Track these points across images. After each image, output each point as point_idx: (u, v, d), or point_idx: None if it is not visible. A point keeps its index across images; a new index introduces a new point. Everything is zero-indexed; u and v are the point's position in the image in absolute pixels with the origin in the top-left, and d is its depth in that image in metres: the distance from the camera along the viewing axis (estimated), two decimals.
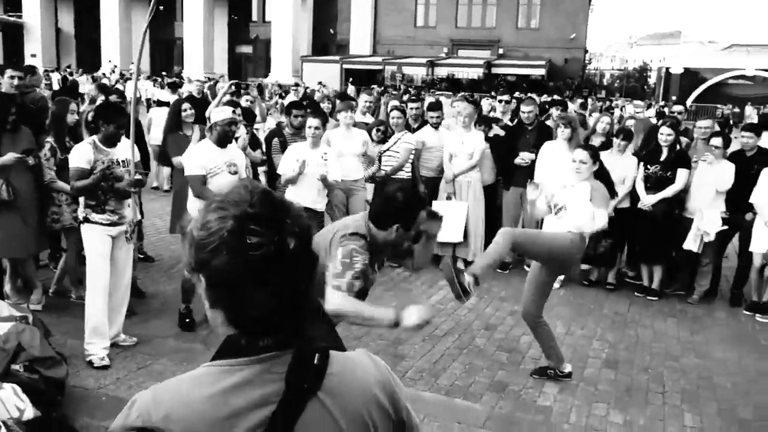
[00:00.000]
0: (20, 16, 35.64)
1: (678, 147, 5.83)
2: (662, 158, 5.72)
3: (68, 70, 26.54)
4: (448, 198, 6.27)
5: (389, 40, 33.75)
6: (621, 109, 18.48)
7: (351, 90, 22.29)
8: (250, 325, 0.98)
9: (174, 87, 11.67)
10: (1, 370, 3.08)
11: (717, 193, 5.60)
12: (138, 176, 4.09)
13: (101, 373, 3.84)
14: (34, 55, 33.59)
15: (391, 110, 6.65)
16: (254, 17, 37.36)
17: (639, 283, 6.05)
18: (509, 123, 7.16)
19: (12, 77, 5.45)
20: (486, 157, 6.38)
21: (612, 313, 5.49)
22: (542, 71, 30.58)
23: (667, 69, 33.53)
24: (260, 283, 0.93)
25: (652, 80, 41.73)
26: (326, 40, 36.00)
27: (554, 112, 7.40)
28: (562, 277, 6.06)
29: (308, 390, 0.99)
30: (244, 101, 7.30)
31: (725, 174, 5.56)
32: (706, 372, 4.41)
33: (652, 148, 5.90)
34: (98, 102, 6.46)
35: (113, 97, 6.28)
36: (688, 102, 25.49)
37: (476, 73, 31.20)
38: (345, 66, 32.03)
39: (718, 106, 26.03)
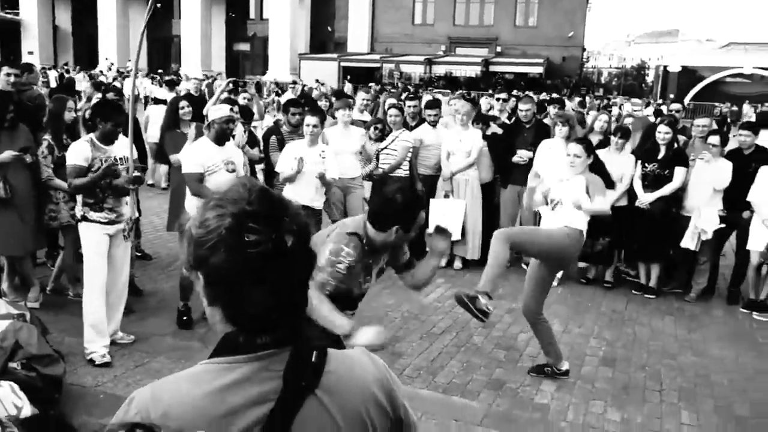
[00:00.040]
0: (17, 14, 35.54)
1: (675, 145, 5.84)
2: (660, 156, 5.73)
3: (65, 67, 26.48)
4: (446, 196, 6.28)
5: (387, 37, 33.73)
6: (620, 108, 18.51)
7: (348, 88, 22.28)
8: (248, 322, 0.98)
9: (172, 85, 11.65)
10: None
11: (714, 191, 5.61)
12: (136, 173, 4.09)
13: (99, 370, 3.83)
14: (31, 53, 33.50)
15: (389, 108, 6.65)
16: (252, 15, 37.30)
17: (636, 281, 6.07)
18: (507, 121, 7.16)
19: (8, 75, 5.43)
20: (484, 155, 6.38)
21: (609, 311, 5.50)
22: (540, 69, 30.60)
23: (665, 67, 33.57)
24: (258, 280, 0.93)
25: (649, 78, 41.73)
26: (324, 37, 35.96)
27: (551, 110, 7.40)
28: (559, 275, 6.07)
29: (306, 388, 0.99)
30: (241, 99, 7.29)
31: (723, 172, 5.57)
32: (703, 370, 4.42)
33: (649, 147, 5.91)
34: (94, 99, 6.45)
35: (111, 95, 6.26)
36: (686, 100, 25.54)
37: (474, 71, 31.21)
38: (343, 64, 32.01)
39: (716, 104, 26.06)
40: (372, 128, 6.43)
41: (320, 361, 1.02)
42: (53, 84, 16.26)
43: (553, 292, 5.70)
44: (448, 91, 20.72)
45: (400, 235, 2.56)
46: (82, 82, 16.24)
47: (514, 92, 16.08)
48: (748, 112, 23.76)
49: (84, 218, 3.96)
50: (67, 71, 23.15)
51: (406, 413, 1.14)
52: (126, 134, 4.14)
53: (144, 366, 3.95)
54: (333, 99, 9.95)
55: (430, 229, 2.77)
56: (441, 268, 6.32)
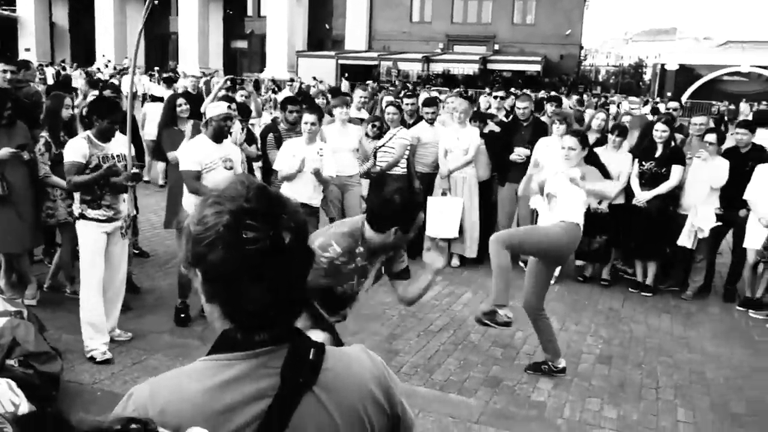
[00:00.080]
0: (14, 10, 35.38)
1: (673, 143, 5.86)
2: (657, 155, 5.74)
3: (62, 64, 26.39)
4: (444, 194, 6.28)
5: (385, 35, 33.67)
6: (618, 106, 18.52)
7: (345, 85, 22.24)
8: (246, 319, 0.98)
9: (169, 82, 11.63)
10: None
11: (711, 189, 5.62)
12: (135, 170, 4.09)
13: (96, 368, 3.83)
14: (28, 50, 33.36)
15: (387, 106, 6.65)
16: (249, 12, 37.18)
17: (633, 279, 6.08)
18: (504, 119, 7.16)
19: (5, 71, 5.41)
20: (481, 153, 6.39)
21: (606, 309, 5.51)
22: (538, 67, 30.59)
23: (663, 65, 33.58)
24: (256, 277, 0.94)
25: (647, 76, 41.77)
26: (322, 35, 35.90)
27: (548, 108, 7.41)
28: (557, 273, 6.09)
29: (303, 384, 1.00)
30: (239, 96, 7.28)
31: (719, 170, 5.59)
32: (699, 367, 4.44)
33: (646, 145, 5.92)
34: (89, 96, 6.43)
35: (107, 92, 6.25)
36: (683, 98, 25.56)
37: (472, 69, 31.19)
38: (341, 61, 31.96)
39: (713, 102, 26.08)
40: (370, 126, 6.43)
41: (318, 358, 1.03)
42: (50, 81, 16.20)
43: (550, 290, 5.69)
44: (446, 89, 20.70)
45: (399, 236, 2.56)
46: (78, 79, 16.20)
47: (512, 90, 16.09)
48: (745, 111, 23.78)
49: (82, 216, 3.96)
50: (64, 68, 23.06)
51: (403, 410, 1.14)
52: (123, 131, 4.13)
53: (141, 363, 3.95)
54: (329, 96, 9.95)
55: (428, 245, 2.74)
56: None
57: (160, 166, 8.93)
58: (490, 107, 8.82)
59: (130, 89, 4.19)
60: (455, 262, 6.44)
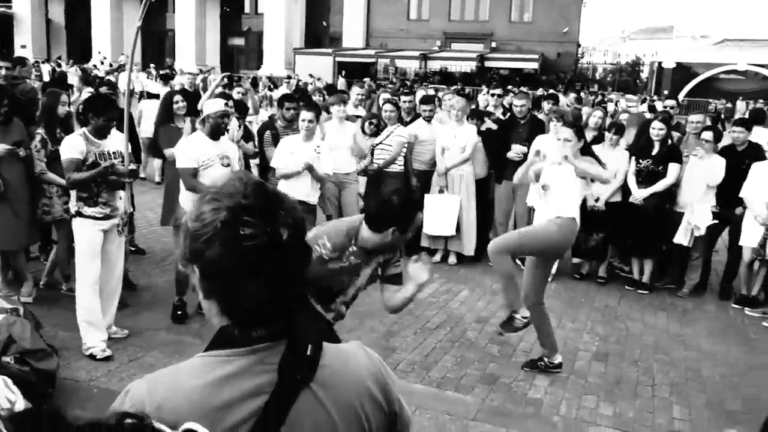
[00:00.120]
0: (10, 7, 35.21)
1: (670, 141, 5.87)
2: (654, 152, 5.76)
3: (58, 61, 26.27)
4: (441, 191, 6.28)
5: (382, 33, 33.61)
6: (615, 104, 18.52)
7: (341, 83, 22.19)
8: (243, 315, 0.99)
9: (166, 79, 11.60)
10: None
11: (708, 187, 5.64)
12: (132, 166, 4.09)
13: (92, 365, 3.83)
14: (24, 46, 33.23)
15: (384, 103, 6.65)
16: (246, 9, 37.06)
17: (630, 277, 6.10)
18: (501, 117, 7.16)
19: (0, 68, 5.39)
20: (478, 151, 6.39)
21: (603, 307, 5.52)
22: (535, 65, 30.58)
23: (660, 63, 33.61)
24: (253, 273, 0.94)
25: (644, 75, 41.82)
26: (319, 32, 35.81)
27: (546, 105, 7.41)
28: (554, 271, 6.10)
29: (301, 381, 1.00)
30: (236, 93, 7.27)
31: (716, 168, 5.60)
32: (695, 365, 4.45)
33: (643, 143, 5.93)
34: (84, 94, 6.42)
35: (104, 89, 6.23)
36: (680, 96, 25.57)
37: (469, 67, 31.15)
38: (338, 59, 31.89)
39: (710, 100, 26.13)
40: (367, 123, 6.42)
41: (315, 354, 1.03)
42: (46, 78, 16.12)
43: (547, 288, 5.72)
44: (444, 86, 20.68)
45: (396, 237, 2.56)
46: (74, 76, 16.13)
47: (509, 87, 16.07)
48: (741, 109, 23.83)
49: (78, 214, 3.94)
50: (59, 65, 22.95)
51: (400, 407, 1.14)
52: (120, 128, 4.12)
53: (138, 360, 3.94)
54: (325, 93, 9.93)
55: (415, 257, 2.69)
56: (436, 263, 6.35)
57: (157, 163, 8.91)
58: (488, 105, 8.82)
59: (127, 86, 4.18)
60: (452, 259, 6.44)
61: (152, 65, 22.26)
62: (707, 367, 4.43)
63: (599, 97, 20.89)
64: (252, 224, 0.93)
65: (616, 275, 6.30)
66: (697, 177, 5.65)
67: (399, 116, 6.53)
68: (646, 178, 5.75)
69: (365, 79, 19.59)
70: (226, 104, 4.46)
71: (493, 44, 32.51)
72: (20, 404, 2.88)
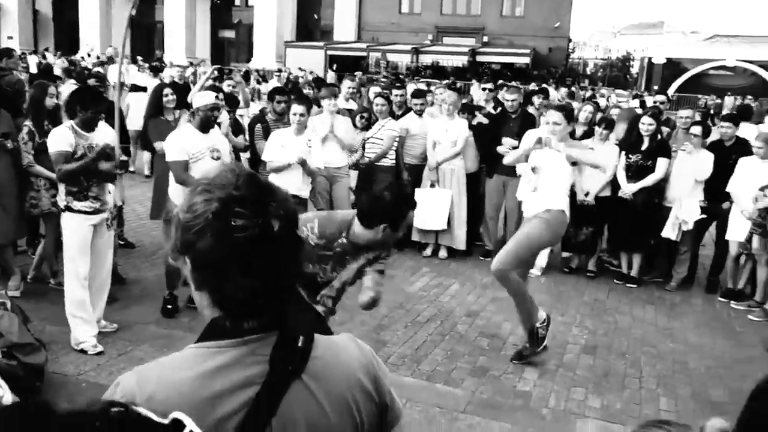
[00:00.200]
0: None
1: (659, 137, 5.90)
2: (643, 147, 5.79)
3: (45, 52, 25.95)
4: (432, 186, 6.29)
5: (374, 26, 33.48)
6: (607, 100, 18.57)
7: (331, 76, 22.08)
8: (235, 307, 0.99)
9: (155, 71, 11.51)
10: None
11: (696, 182, 5.69)
12: (123, 158, 4.07)
13: (81, 359, 3.81)
14: (10, 38, 32.77)
15: (375, 97, 6.63)
16: (237, 1, 36.75)
17: (618, 271, 6.15)
18: (492, 111, 7.17)
19: None
20: (469, 145, 6.40)
21: (592, 300, 5.57)
22: (527, 59, 30.61)
23: (650, 59, 33.73)
24: (245, 265, 0.94)
25: (634, 70, 41.98)
26: (310, 25, 35.62)
27: (536, 100, 7.43)
28: (543, 265, 6.14)
29: (292, 372, 1.00)
30: (226, 86, 7.22)
31: (704, 164, 5.65)
32: (681, 357, 4.50)
33: (634, 138, 5.97)
34: (67, 85, 6.35)
35: (92, 81, 6.17)
36: (670, 92, 25.71)
37: (461, 61, 31.14)
38: (329, 52, 31.75)
39: (700, 96, 26.29)
40: (358, 117, 6.41)
41: (307, 346, 1.03)
42: (33, 69, 15.93)
43: (536, 282, 5.77)
44: (436, 80, 20.66)
45: (388, 234, 2.56)
46: (59, 68, 15.94)
47: (501, 82, 16.08)
48: (730, 105, 23.99)
49: (68, 208, 3.90)
50: (45, 57, 22.66)
51: (391, 399, 1.15)
52: (109, 121, 4.09)
53: (127, 354, 3.93)
54: (314, 86, 9.90)
55: (369, 269, 2.68)
56: (427, 257, 6.37)
57: (146, 156, 8.85)
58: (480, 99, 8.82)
59: (118, 79, 4.15)
60: (443, 253, 6.46)
61: (139, 58, 22.01)
62: (694, 359, 4.48)
63: (589, 92, 20.96)
64: (243, 215, 0.93)
65: (605, 269, 6.35)
66: (686, 172, 5.70)
67: (390, 110, 6.52)
68: (635, 172, 5.79)
69: (356, 73, 19.52)
70: (216, 97, 4.44)
71: (485, 38, 32.50)
72: (8, 398, 2.87)
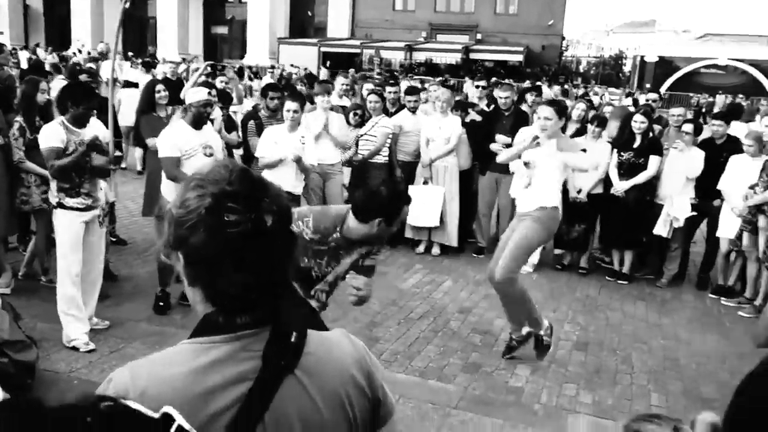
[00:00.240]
0: None
1: (651, 134, 5.94)
2: (635, 145, 5.82)
3: (35, 47, 25.72)
4: (425, 182, 6.30)
5: (367, 23, 33.42)
6: (601, 98, 18.63)
7: (323, 73, 22.03)
8: (227, 302, 0.98)
9: (148, 66, 11.45)
10: None
11: (687, 180, 5.73)
12: (117, 153, 4.05)
13: (72, 356, 3.80)
14: (1, 33, 32.47)
15: (369, 94, 6.63)
16: None
17: (610, 268, 6.18)
18: (486, 108, 7.18)
19: None
20: (463, 143, 6.41)
21: (583, 297, 5.60)
22: (520, 57, 30.67)
23: (642, 57, 33.87)
24: (238, 260, 0.94)
25: (627, 68, 42.14)
26: (304, 22, 35.50)
27: (529, 97, 7.44)
28: (536, 262, 6.16)
29: (285, 367, 1.00)
30: (219, 83, 7.20)
31: (695, 161, 5.69)
32: (672, 353, 4.54)
33: (627, 136, 5.99)
34: (56, 81, 6.30)
35: (83, 77, 6.12)
36: (662, 90, 25.83)
37: (454, 58, 31.15)
38: (323, 49, 31.67)
39: (691, 94, 26.44)
40: (352, 114, 6.40)
41: (300, 341, 1.03)
42: (24, 65, 15.79)
43: (528, 278, 5.79)
44: (429, 77, 20.66)
45: (382, 228, 2.56)
46: (48, 64, 15.81)
47: (494, 80, 16.10)
48: (721, 103, 24.13)
49: (60, 205, 3.87)
50: (35, 52, 22.46)
51: (384, 394, 1.15)
52: (101, 117, 4.07)
53: (119, 351, 3.92)
54: (305, 82, 9.88)
55: (350, 274, 2.66)
56: (419, 254, 6.38)
57: (138, 152, 8.81)
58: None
59: (111, 75, 4.12)
60: (436, 250, 6.47)
61: (130, 53, 21.85)
62: (684, 355, 4.51)
63: (582, 90, 21.03)
64: (236, 211, 0.93)
65: (597, 266, 6.39)
66: (677, 169, 5.73)
67: (384, 107, 6.52)
68: (627, 170, 5.82)
69: (350, 70, 19.50)
70: (209, 93, 4.42)
71: (479, 36, 32.52)
72: None
